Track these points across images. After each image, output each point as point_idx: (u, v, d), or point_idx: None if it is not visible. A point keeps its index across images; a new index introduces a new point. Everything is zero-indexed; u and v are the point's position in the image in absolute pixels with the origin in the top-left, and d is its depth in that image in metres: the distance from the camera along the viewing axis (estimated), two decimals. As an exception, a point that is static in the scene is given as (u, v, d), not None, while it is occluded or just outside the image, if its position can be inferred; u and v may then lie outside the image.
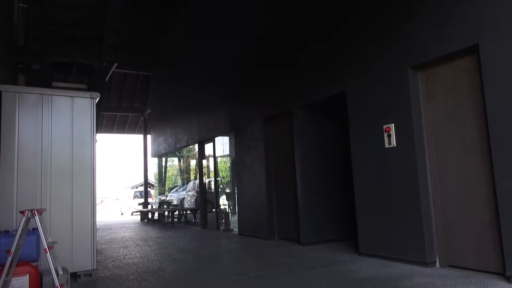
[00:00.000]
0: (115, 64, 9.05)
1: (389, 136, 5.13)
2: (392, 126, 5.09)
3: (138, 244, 8.21)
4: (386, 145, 5.17)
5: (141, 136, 19.91)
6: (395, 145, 5.05)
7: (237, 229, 9.19)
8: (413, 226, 4.77)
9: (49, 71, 8.63)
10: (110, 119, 20.58)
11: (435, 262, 4.67)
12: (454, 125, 4.57)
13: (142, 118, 19.73)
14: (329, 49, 6.25)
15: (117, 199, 27.77)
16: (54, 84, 9.65)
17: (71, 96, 5.23)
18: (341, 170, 7.22)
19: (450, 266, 4.57)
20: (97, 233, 5.61)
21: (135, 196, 26.17)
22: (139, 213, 19.53)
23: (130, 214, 23.91)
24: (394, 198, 5.05)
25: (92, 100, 5.33)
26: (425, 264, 4.63)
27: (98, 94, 5.45)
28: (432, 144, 4.81)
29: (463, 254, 4.44)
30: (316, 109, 7.13)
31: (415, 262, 4.74)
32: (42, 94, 5.06)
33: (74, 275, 4.79)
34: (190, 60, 12.43)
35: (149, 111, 18.10)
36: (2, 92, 4.77)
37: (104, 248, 7.78)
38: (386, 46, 5.21)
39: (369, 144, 5.46)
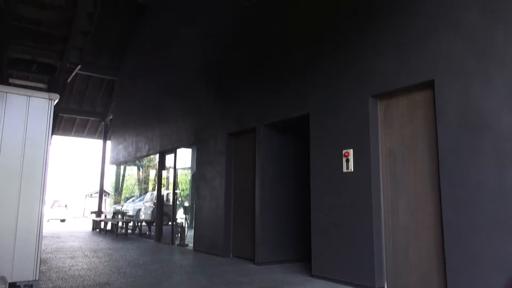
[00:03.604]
0: (79, 66, 8.82)
1: (347, 161, 5.26)
2: (351, 151, 5.23)
3: (87, 255, 7.86)
4: (344, 170, 5.29)
5: (100, 142, 19.29)
6: (352, 170, 5.19)
7: (192, 245, 9.03)
8: (364, 250, 4.88)
9: (6, 66, 8.27)
10: (69, 121, 19.83)
11: (383, 287, 4.78)
12: (408, 154, 4.76)
13: (103, 123, 19.15)
14: (295, 73, 6.39)
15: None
16: (11, 81, 9.25)
17: (27, 96, 5.00)
18: (301, 190, 7.30)
19: (397, 291, 4.69)
20: (43, 241, 5.33)
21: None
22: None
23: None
24: (347, 222, 5.15)
25: (50, 101, 5.11)
26: (373, 288, 4.72)
27: (57, 96, 5.25)
28: (387, 171, 4.98)
29: (409, 280, 4.58)
30: (280, 129, 7.22)
31: (364, 286, 4.82)
32: (-4, 91, 4.81)
33: (14, 286, 4.50)
34: (155, 69, 12.29)
35: (111, 117, 17.62)
36: (-48, 85, 4.51)
37: (49, 258, 7.39)
38: (349, 74, 5.40)
39: (328, 167, 5.57)
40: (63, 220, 24.37)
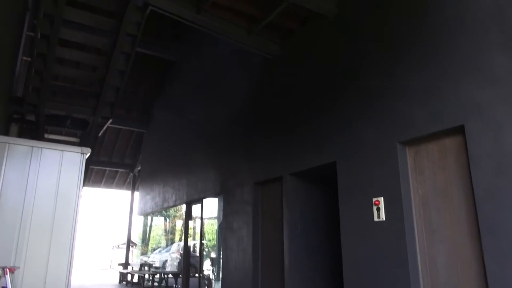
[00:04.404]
0: (110, 120, 9.15)
1: (378, 209, 5.10)
2: (381, 199, 5.07)
3: (113, 309, 7.72)
4: (375, 219, 5.11)
5: (128, 193, 19.59)
6: (384, 219, 5.00)
7: (219, 298, 8.76)
8: (403, 306, 4.57)
9: (43, 123, 8.67)
10: (99, 173, 20.37)
11: None
12: (442, 202, 4.57)
13: (131, 174, 19.56)
14: (320, 121, 6.41)
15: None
16: (46, 136, 9.66)
17: (61, 150, 5.20)
18: (331, 241, 7.07)
19: None
20: (70, 296, 5.29)
21: None
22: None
23: None
24: (383, 276, 4.89)
25: (82, 155, 5.29)
26: None
27: (89, 150, 5.43)
28: (421, 221, 4.77)
29: None
30: (307, 177, 7.14)
31: None
32: (33, 147, 5.02)
33: None
34: (182, 120, 12.63)
35: (139, 168, 17.99)
36: (-8, 142, 4.74)
37: (76, 312, 7.29)
38: (375, 120, 5.36)
39: (358, 216, 5.40)
40: None
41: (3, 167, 4.71)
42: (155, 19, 9.28)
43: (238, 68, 9.43)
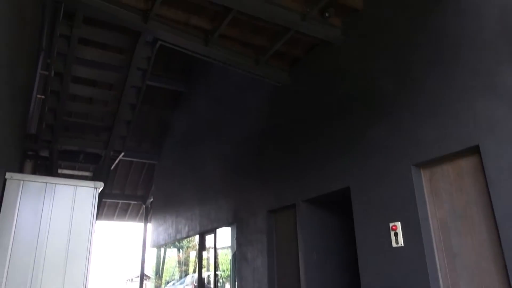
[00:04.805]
0: (122, 153, 9.22)
1: (396, 234, 4.97)
2: (399, 224, 4.96)
3: None
4: (394, 244, 4.98)
5: (140, 225, 19.52)
6: (402, 244, 4.87)
7: (235, 332, 8.50)
8: (428, 336, 4.38)
9: (56, 158, 8.77)
10: (111, 206, 20.39)
11: None
12: (462, 225, 4.44)
13: (144, 206, 19.53)
14: (332, 146, 6.37)
15: None
16: (60, 171, 9.76)
17: (74, 185, 5.22)
18: (349, 269, 6.88)
19: None
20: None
21: None
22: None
23: None
24: (405, 303, 4.72)
25: (95, 189, 5.30)
26: None
27: (102, 184, 5.44)
28: (441, 245, 4.63)
29: None
30: (320, 203, 7.04)
31: None
32: (46, 183, 5.05)
33: None
34: (193, 151, 12.69)
35: (152, 200, 17.98)
36: (7, 180, 4.78)
37: None
38: (387, 144, 5.31)
39: (376, 242, 5.27)
40: None
41: (18, 205, 4.73)
42: (164, 52, 9.50)
43: (248, 95, 9.52)
